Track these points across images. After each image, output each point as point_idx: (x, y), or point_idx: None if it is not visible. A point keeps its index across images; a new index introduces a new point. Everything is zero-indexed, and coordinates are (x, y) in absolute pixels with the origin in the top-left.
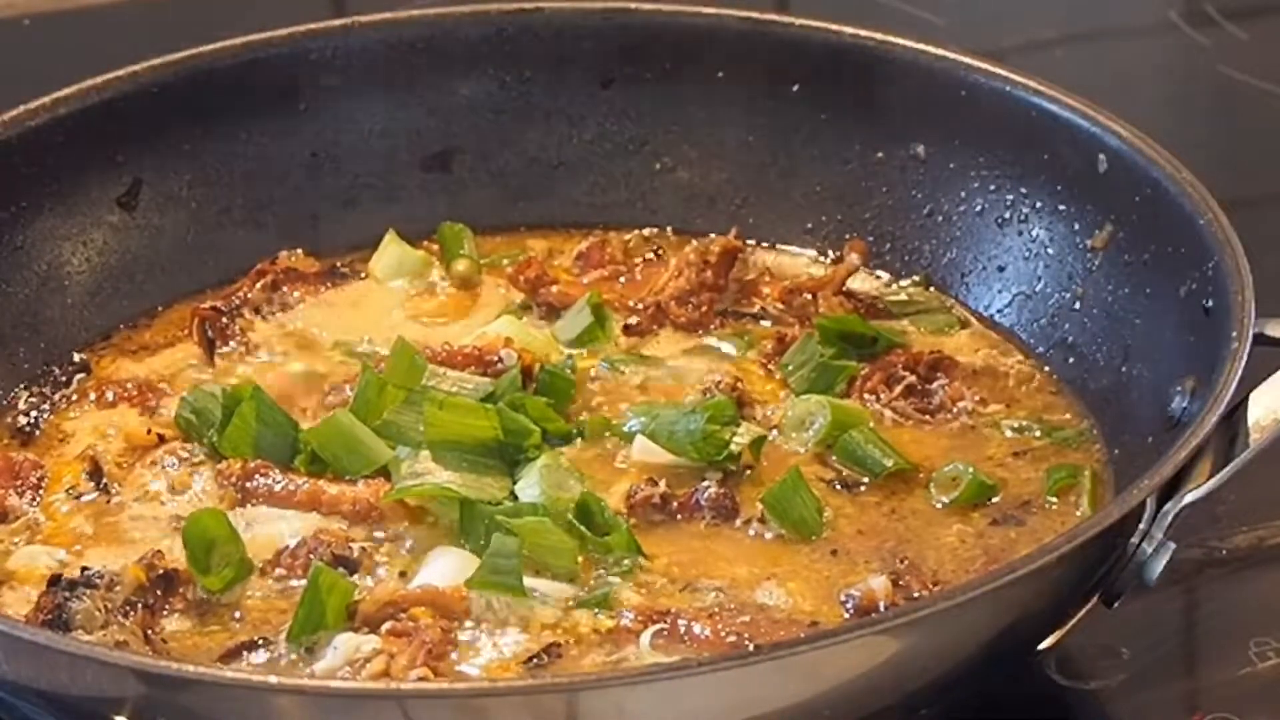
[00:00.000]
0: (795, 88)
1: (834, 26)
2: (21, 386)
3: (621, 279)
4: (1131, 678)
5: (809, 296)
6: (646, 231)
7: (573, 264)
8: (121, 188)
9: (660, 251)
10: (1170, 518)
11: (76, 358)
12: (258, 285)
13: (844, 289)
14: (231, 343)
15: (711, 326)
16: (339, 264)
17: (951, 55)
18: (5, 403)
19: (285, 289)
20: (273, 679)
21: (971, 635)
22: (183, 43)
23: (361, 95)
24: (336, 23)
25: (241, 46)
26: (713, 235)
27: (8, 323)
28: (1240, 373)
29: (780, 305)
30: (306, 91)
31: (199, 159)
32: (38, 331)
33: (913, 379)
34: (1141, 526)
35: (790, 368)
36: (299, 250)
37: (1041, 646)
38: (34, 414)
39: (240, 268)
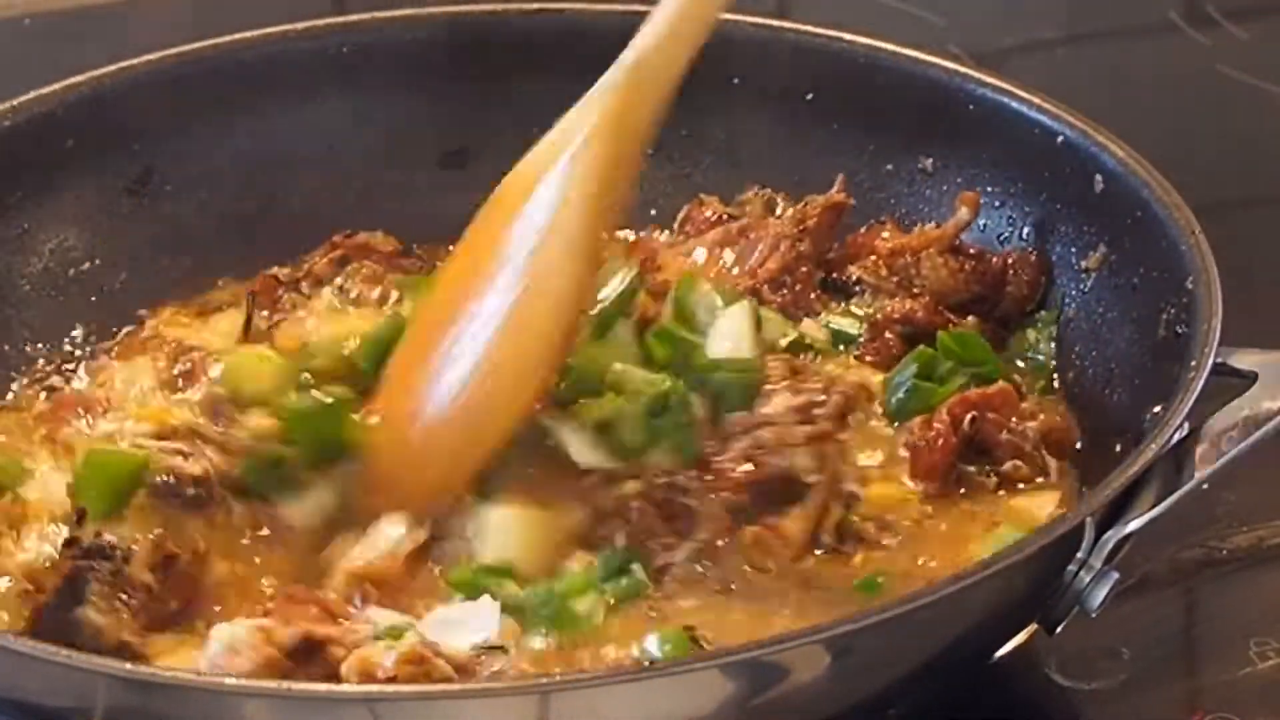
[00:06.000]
0: (809, 96)
1: (848, 36)
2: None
3: (728, 250)
4: (1131, 678)
5: (910, 259)
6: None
7: (677, 231)
8: (132, 175)
9: (771, 203)
10: (1110, 546)
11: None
12: (326, 258)
13: (953, 245)
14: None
15: (812, 305)
16: (416, 246)
17: (961, 69)
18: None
19: (354, 264)
20: (243, 683)
21: (903, 652)
22: (183, 42)
23: (380, 91)
24: (355, 18)
25: (261, 38)
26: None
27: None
28: (1192, 403)
29: (884, 271)
30: (325, 86)
31: (212, 150)
32: (38, 322)
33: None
34: (1080, 555)
35: (889, 391)
36: (379, 232)
37: (997, 655)
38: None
39: (251, 260)
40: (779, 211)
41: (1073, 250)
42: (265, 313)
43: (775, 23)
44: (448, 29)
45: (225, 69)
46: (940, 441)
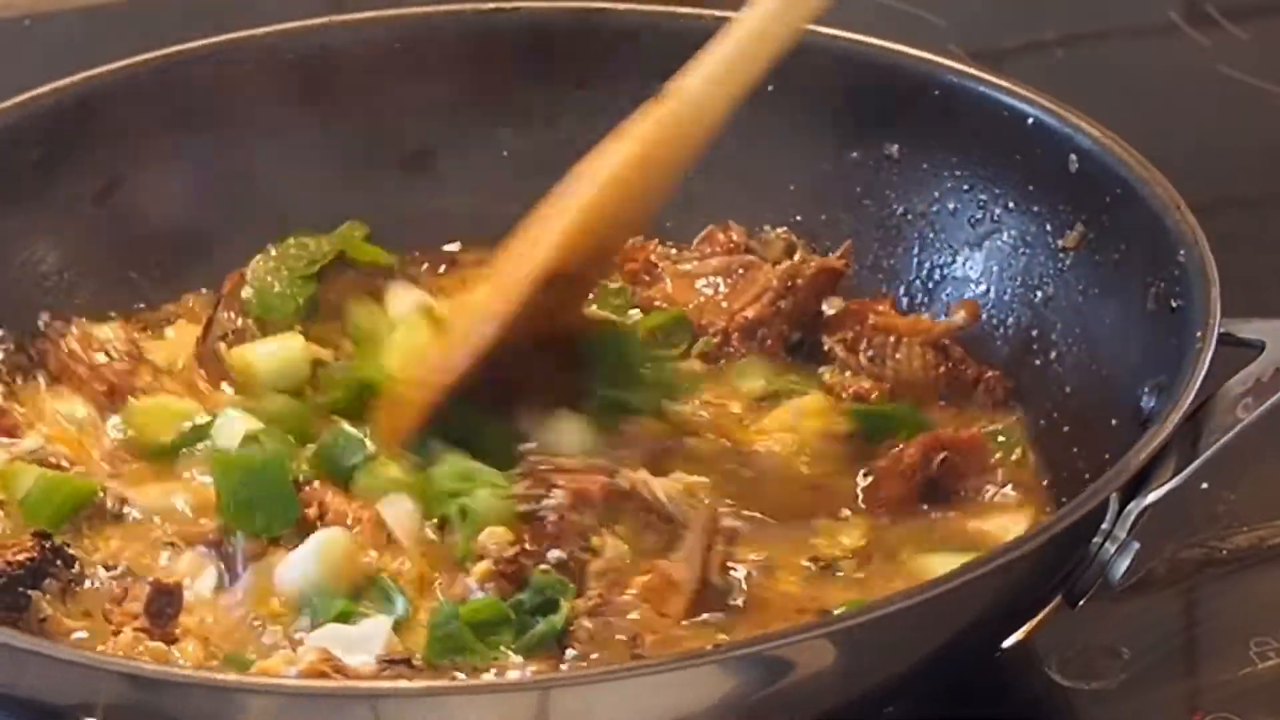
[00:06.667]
0: (770, 88)
1: (808, 26)
2: None
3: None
4: (1131, 678)
5: (891, 339)
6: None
7: (695, 248)
8: (98, 186)
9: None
10: (1134, 517)
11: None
12: None
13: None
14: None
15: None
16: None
17: (924, 55)
18: None
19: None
20: (246, 679)
21: (926, 636)
22: (182, 43)
23: (336, 95)
24: (313, 22)
25: (217, 46)
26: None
27: None
28: (1204, 372)
29: (863, 343)
30: (284, 91)
31: (177, 158)
32: (7, 336)
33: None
34: (1104, 526)
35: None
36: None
37: (1006, 644)
38: None
39: (219, 269)
40: (796, 257)
41: (1048, 229)
42: (231, 314)
43: (735, 15)
44: (408, 30)
45: (186, 77)
46: (909, 472)
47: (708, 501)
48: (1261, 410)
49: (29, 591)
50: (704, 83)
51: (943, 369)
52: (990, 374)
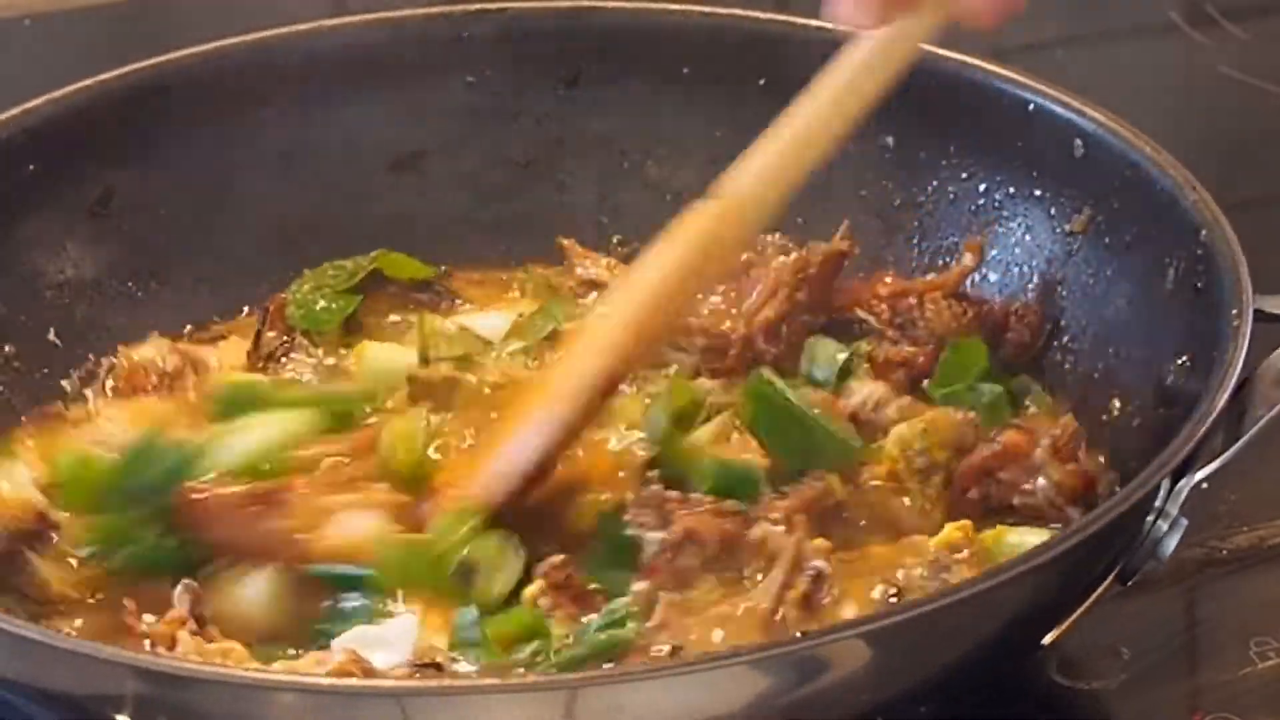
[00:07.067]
0: (761, 82)
1: (797, 20)
2: None
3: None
4: (1131, 678)
5: (913, 301)
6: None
7: None
8: (92, 196)
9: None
10: (1185, 495)
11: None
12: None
13: (957, 293)
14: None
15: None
16: (435, 282)
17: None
18: None
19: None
20: (270, 676)
21: (974, 631)
22: (182, 42)
23: (327, 98)
24: (301, 27)
25: (207, 52)
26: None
27: None
28: (1246, 348)
29: (886, 313)
30: (272, 96)
31: (168, 166)
32: (17, 350)
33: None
34: (1157, 504)
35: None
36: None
37: (1052, 635)
38: None
39: (216, 276)
40: (805, 249)
41: (1053, 214)
42: (276, 333)
43: (723, 11)
44: (391, 32)
45: (174, 85)
46: (954, 515)
47: (801, 535)
48: None
49: (26, 557)
50: (755, 182)
51: (971, 314)
52: (1017, 305)
